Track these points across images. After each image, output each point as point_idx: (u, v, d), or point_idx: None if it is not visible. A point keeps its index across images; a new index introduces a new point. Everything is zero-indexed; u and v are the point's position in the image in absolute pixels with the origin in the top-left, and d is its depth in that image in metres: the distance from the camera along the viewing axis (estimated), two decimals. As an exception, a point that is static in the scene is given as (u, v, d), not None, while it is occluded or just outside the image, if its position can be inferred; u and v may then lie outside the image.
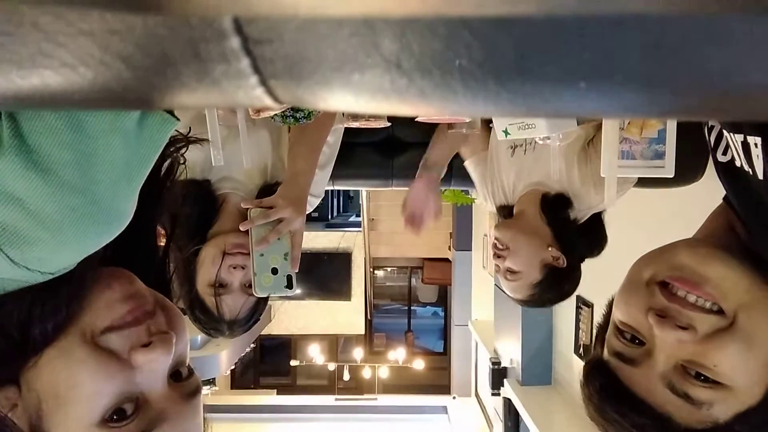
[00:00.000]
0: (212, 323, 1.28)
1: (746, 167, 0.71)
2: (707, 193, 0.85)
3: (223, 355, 6.23)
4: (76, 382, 0.54)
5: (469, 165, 1.80)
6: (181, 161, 0.72)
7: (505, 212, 1.61)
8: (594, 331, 0.81)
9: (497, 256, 1.47)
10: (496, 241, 1.48)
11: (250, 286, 1.27)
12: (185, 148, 0.72)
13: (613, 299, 0.77)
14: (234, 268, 1.25)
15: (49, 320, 0.54)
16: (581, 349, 3.65)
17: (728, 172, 0.76)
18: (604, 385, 0.70)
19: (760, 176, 0.67)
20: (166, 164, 0.70)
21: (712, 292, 0.66)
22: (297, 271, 1.27)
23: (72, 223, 0.48)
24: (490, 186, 1.72)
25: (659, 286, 0.69)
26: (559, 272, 1.44)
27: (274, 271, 1.24)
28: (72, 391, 0.54)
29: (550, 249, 1.42)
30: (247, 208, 1.25)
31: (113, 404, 0.55)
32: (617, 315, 0.73)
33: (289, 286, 1.26)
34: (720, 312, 0.66)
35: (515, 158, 1.57)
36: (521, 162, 1.55)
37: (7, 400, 0.55)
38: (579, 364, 3.69)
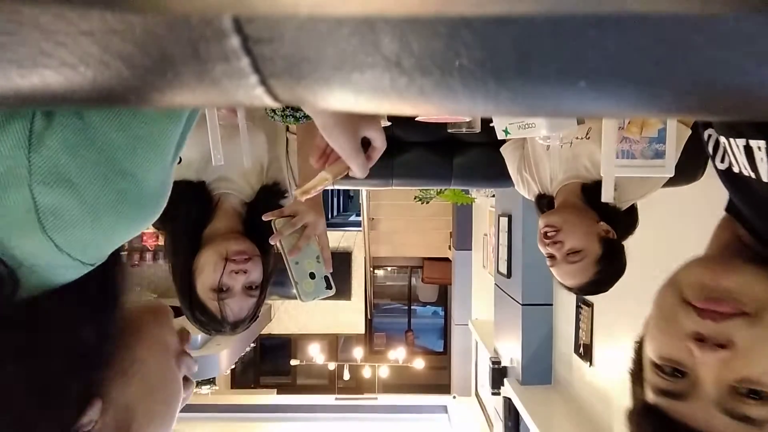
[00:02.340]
0: (214, 325, 1.29)
1: (746, 172, 0.71)
2: (707, 193, 0.85)
3: (223, 355, 6.23)
4: (162, 398, 0.59)
5: (505, 150, 1.80)
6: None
7: (544, 202, 1.63)
8: (629, 375, 0.77)
9: (552, 243, 1.46)
10: (546, 229, 1.47)
11: (250, 288, 1.28)
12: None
13: (641, 339, 0.74)
14: (236, 273, 1.26)
15: (108, 341, 0.55)
16: (581, 349, 3.65)
17: (729, 179, 0.76)
18: (658, 428, 0.67)
19: (765, 179, 0.67)
20: None
21: (735, 303, 0.64)
22: (331, 270, 1.30)
23: (118, 207, 0.49)
24: (527, 174, 1.73)
25: (692, 308, 0.66)
26: (614, 244, 1.46)
27: (312, 275, 1.27)
28: (155, 407, 0.58)
29: (600, 223, 1.46)
30: (270, 220, 1.26)
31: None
32: (654, 350, 0.70)
33: (329, 286, 1.29)
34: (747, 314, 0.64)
35: (552, 151, 1.59)
36: (559, 155, 1.57)
37: (88, 418, 0.52)
38: (579, 364, 3.69)
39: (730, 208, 0.80)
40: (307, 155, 1.36)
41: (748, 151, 0.69)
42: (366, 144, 0.80)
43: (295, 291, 1.25)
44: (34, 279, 0.50)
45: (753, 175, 0.69)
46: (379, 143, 0.82)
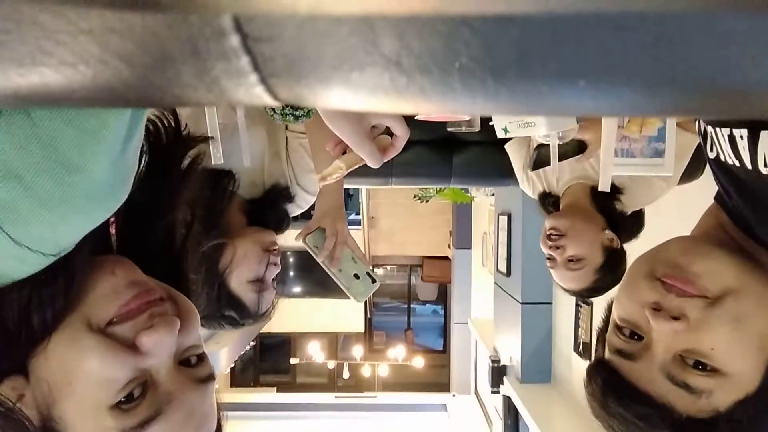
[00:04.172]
0: (243, 318, 1.30)
1: (731, 161, 0.73)
2: (706, 192, 0.86)
3: (223, 353, 6.23)
4: (87, 369, 0.55)
5: (510, 147, 1.80)
6: (201, 161, 0.73)
7: (549, 201, 1.63)
8: (595, 334, 0.83)
9: (555, 247, 1.46)
10: (551, 231, 1.48)
11: (274, 280, 1.32)
12: (205, 143, 0.74)
13: (612, 301, 0.79)
14: (275, 265, 1.30)
15: (47, 307, 0.55)
16: (581, 347, 3.65)
17: (718, 167, 0.79)
18: (606, 380, 0.72)
19: (749, 166, 0.70)
20: (187, 160, 0.71)
21: (701, 286, 0.69)
22: (371, 266, 1.37)
23: (71, 200, 0.49)
24: (532, 172, 1.73)
25: (658, 281, 0.71)
26: (616, 254, 1.46)
27: (356, 276, 1.35)
28: (84, 379, 0.55)
29: (606, 232, 1.46)
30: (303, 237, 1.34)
31: (124, 389, 0.56)
32: (616, 312, 0.76)
33: (374, 280, 1.37)
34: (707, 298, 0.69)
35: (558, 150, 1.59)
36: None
37: (13, 390, 0.55)
38: (578, 362, 3.69)
39: (718, 197, 0.83)
40: (318, 143, 1.39)
41: (732, 140, 0.72)
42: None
43: (349, 296, 1.33)
44: None
45: (737, 164, 0.72)
46: (400, 130, 0.79)
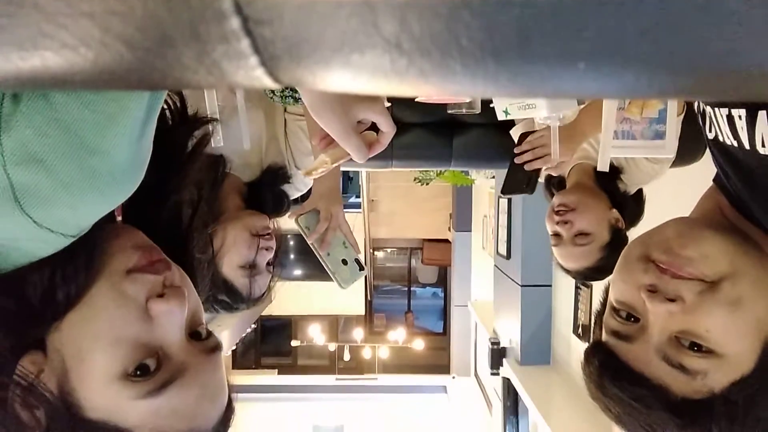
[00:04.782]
0: (235, 303, 1.30)
1: (729, 141, 0.73)
2: (707, 174, 0.85)
3: (224, 336, 6.27)
4: (96, 330, 0.56)
5: (515, 132, 1.80)
6: (207, 142, 0.73)
7: (554, 182, 1.64)
8: (593, 316, 0.83)
9: (563, 222, 1.46)
10: (560, 207, 1.48)
11: (269, 264, 1.32)
12: (212, 126, 0.74)
13: (609, 284, 0.79)
14: (266, 249, 1.29)
15: (71, 284, 0.56)
16: (580, 329, 3.67)
17: (716, 148, 0.79)
18: (603, 362, 0.72)
19: (747, 146, 0.69)
20: (193, 140, 0.71)
21: (695, 271, 0.69)
22: (360, 252, 1.37)
23: (92, 182, 0.50)
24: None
25: (653, 264, 0.71)
26: (621, 234, 1.47)
27: (344, 262, 1.34)
28: (93, 343, 0.56)
29: (612, 210, 1.47)
30: (296, 217, 1.33)
31: (133, 354, 0.57)
32: (613, 294, 0.76)
33: (362, 268, 1.37)
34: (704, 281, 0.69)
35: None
36: None
37: (33, 365, 0.57)
38: (578, 344, 3.71)
39: (717, 178, 0.83)
40: (316, 127, 1.38)
41: (730, 120, 0.71)
42: (375, 129, 0.80)
43: (334, 280, 1.33)
44: (18, 255, 0.54)
45: (735, 144, 0.72)
46: (386, 126, 0.79)
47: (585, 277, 1.54)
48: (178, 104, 0.71)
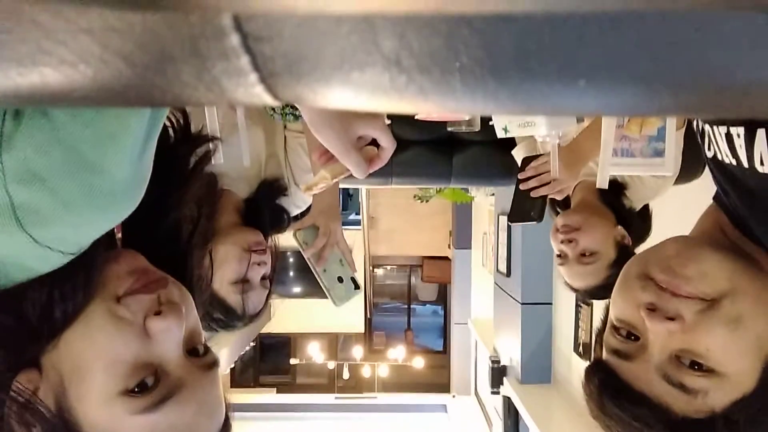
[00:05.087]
0: (231, 320, 1.29)
1: (728, 159, 0.73)
2: (706, 192, 0.86)
3: (223, 354, 6.23)
4: (95, 351, 0.56)
5: (517, 152, 1.80)
6: (209, 160, 0.74)
7: (558, 201, 1.62)
8: (593, 335, 0.83)
9: (568, 241, 1.45)
10: (564, 227, 1.46)
11: (264, 279, 1.31)
12: (213, 143, 0.74)
13: (609, 303, 0.79)
14: (259, 265, 1.27)
15: (68, 301, 0.56)
16: (581, 348, 3.65)
17: (715, 166, 0.79)
18: (604, 381, 0.72)
19: (746, 165, 0.69)
20: (194, 158, 0.72)
21: (694, 290, 0.68)
22: (356, 271, 1.36)
23: (93, 201, 0.50)
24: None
25: (652, 282, 0.71)
26: (628, 251, 1.46)
27: (340, 279, 1.34)
28: (92, 362, 0.56)
29: (617, 228, 1.46)
30: (294, 231, 1.34)
31: (132, 373, 0.57)
32: (613, 313, 0.76)
33: (357, 287, 1.36)
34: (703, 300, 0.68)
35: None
36: None
37: (29, 383, 0.57)
38: (578, 363, 3.69)
39: (717, 196, 0.83)
40: (316, 143, 1.38)
41: (729, 139, 0.71)
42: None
43: (329, 297, 1.32)
44: (16, 271, 0.54)
45: (734, 162, 0.72)
46: (386, 142, 0.79)
47: (593, 295, 1.52)
48: (182, 121, 0.71)
